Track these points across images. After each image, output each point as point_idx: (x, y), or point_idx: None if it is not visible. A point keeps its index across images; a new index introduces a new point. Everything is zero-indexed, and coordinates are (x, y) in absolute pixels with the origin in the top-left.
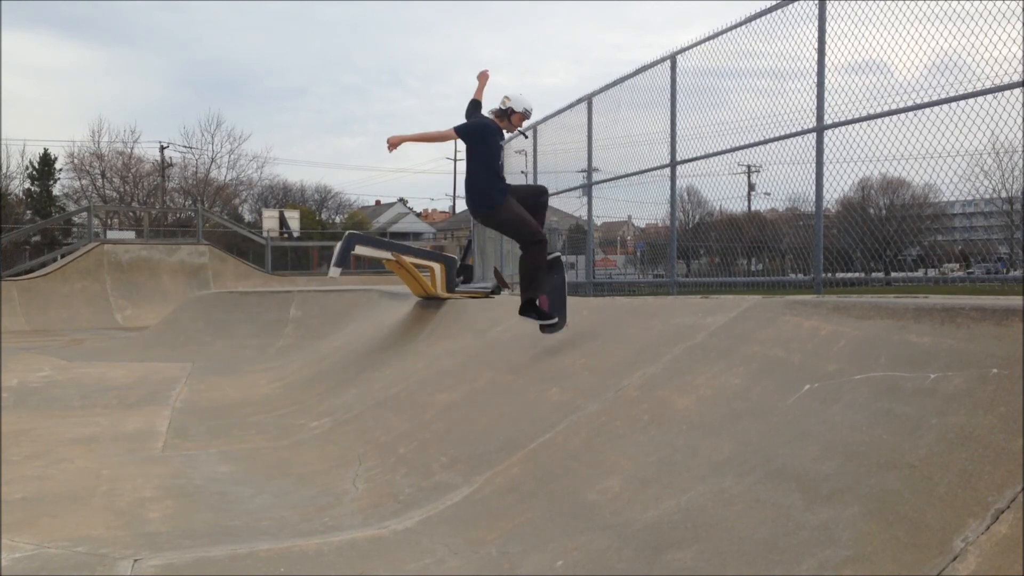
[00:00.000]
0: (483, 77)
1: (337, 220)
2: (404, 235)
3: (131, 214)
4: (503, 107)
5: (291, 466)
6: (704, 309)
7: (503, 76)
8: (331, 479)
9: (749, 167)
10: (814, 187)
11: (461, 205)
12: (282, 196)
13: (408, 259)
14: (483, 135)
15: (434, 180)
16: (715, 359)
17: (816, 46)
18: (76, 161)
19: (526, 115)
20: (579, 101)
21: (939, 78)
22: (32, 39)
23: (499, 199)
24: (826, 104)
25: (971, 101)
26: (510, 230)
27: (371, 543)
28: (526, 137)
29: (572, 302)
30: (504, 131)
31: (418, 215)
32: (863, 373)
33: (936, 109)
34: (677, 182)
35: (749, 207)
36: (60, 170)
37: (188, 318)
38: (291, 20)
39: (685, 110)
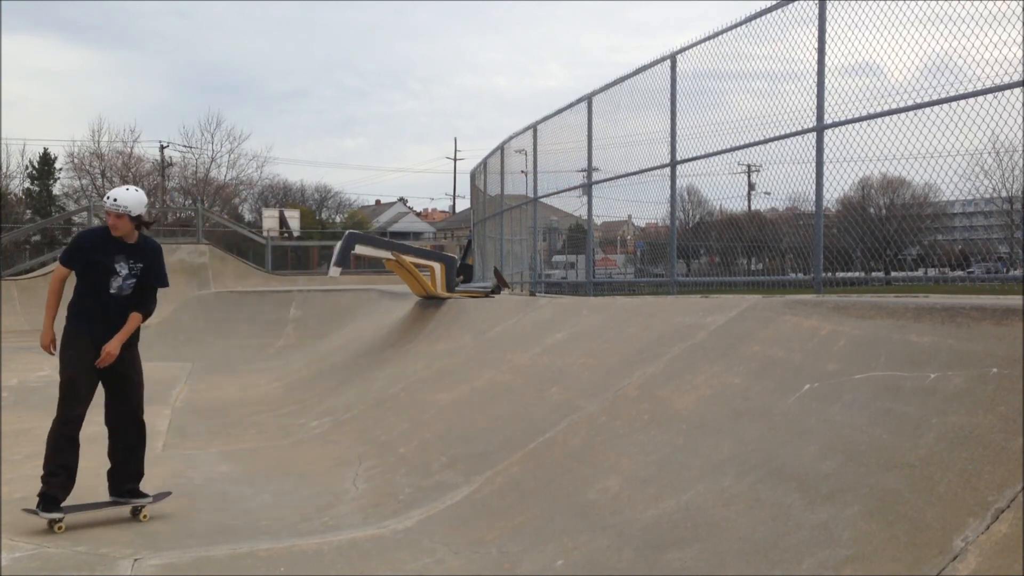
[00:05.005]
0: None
1: (337, 220)
2: (404, 235)
3: None
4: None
5: (291, 465)
6: (704, 309)
7: (502, 78)
8: (331, 479)
9: (749, 166)
10: (814, 186)
11: (461, 205)
12: (282, 195)
13: (408, 259)
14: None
15: (434, 180)
16: (715, 359)
17: (816, 45)
18: (76, 160)
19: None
20: (579, 101)
21: (931, 80)
22: (37, 43)
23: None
24: (826, 104)
25: (971, 101)
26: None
27: (371, 542)
28: None
29: (572, 301)
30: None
31: (418, 215)
32: (863, 373)
33: (936, 109)
34: (677, 182)
35: (749, 206)
36: (60, 169)
37: (188, 318)
38: (294, 24)
39: (685, 111)
